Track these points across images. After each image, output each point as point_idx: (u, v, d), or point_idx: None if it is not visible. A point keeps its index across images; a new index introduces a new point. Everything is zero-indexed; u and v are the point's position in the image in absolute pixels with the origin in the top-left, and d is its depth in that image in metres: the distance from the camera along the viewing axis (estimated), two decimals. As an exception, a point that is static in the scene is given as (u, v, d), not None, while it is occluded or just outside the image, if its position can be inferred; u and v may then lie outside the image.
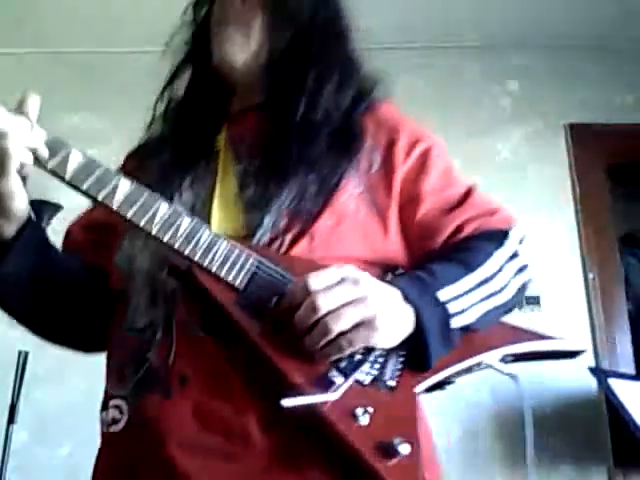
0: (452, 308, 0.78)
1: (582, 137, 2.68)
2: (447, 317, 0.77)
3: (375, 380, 0.74)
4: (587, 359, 2.39)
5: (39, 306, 0.90)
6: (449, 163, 0.95)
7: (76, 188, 0.74)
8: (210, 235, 0.76)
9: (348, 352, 0.72)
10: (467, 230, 0.89)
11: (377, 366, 0.75)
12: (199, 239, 0.75)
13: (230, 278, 0.75)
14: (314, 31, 0.92)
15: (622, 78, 2.77)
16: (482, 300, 0.81)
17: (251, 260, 0.77)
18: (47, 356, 2.04)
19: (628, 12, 2.57)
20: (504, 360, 0.81)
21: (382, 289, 0.75)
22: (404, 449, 0.67)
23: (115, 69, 2.71)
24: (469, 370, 0.80)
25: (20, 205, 0.75)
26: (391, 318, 0.73)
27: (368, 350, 0.74)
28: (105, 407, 0.86)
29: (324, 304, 0.69)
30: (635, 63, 2.79)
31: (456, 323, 0.78)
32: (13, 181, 0.72)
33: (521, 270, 0.87)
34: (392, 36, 2.71)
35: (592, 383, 2.26)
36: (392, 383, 0.74)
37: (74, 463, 2.22)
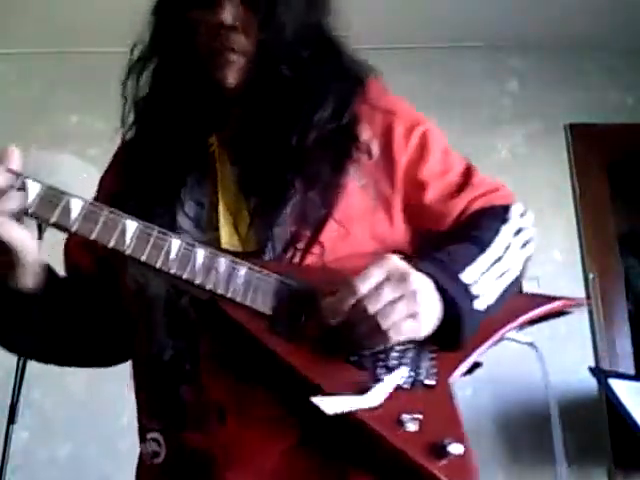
0: (475, 290, 0.79)
1: (582, 137, 2.68)
2: (471, 300, 0.78)
3: (414, 383, 0.73)
4: (587, 359, 2.39)
5: (51, 339, 0.89)
6: (445, 143, 0.96)
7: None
8: (227, 262, 0.74)
9: (393, 343, 0.72)
10: (473, 208, 0.90)
11: (413, 368, 0.75)
12: (218, 269, 0.73)
13: (256, 305, 0.74)
14: (307, 56, 0.90)
15: (622, 78, 2.77)
16: (497, 279, 0.82)
17: (272, 280, 0.75)
18: (47, 356, 2.04)
19: (628, 12, 2.57)
20: (521, 331, 0.84)
21: (422, 280, 0.74)
22: (455, 449, 0.67)
23: (115, 69, 2.71)
24: (491, 346, 0.81)
25: (31, 256, 0.72)
26: (430, 310, 0.74)
27: (402, 354, 0.75)
28: (143, 439, 0.85)
29: (372, 307, 0.69)
30: (635, 63, 2.79)
31: (479, 305, 0.79)
32: (15, 242, 0.69)
33: (525, 244, 0.89)
34: (392, 36, 2.71)
35: (592, 383, 2.26)
36: (430, 382, 0.74)
37: (74, 463, 2.22)
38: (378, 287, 0.70)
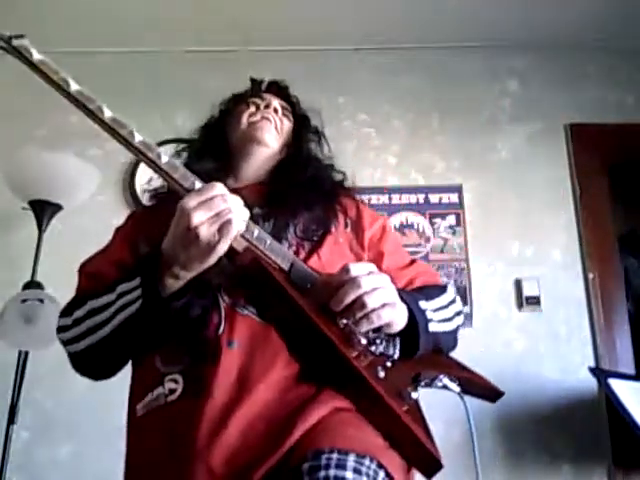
0: (429, 315, 1.06)
1: (582, 137, 2.68)
2: (427, 321, 1.05)
3: (383, 354, 0.99)
4: (587, 359, 2.39)
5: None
6: (398, 237, 1.33)
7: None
8: (259, 230, 1.00)
9: (375, 325, 0.96)
10: (417, 283, 1.19)
11: (385, 344, 1.00)
12: (253, 231, 0.99)
13: (279, 261, 1.00)
14: (315, 145, 1.32)
15: (622, 78, 2.77)
16: (442, 321, 1.10)
17: (289, 254, 1.03)
18: (47, 356, 2.04)
19: (628, 12, 2.57)
20: (453, 382, 1.05)
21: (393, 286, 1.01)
22: (415, 395, 0.96)
23: (115, 69, 2.71)
24: (431, 383, 1.02)
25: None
26: (402, 307, 1.00)
27: (377, 335, 1.00)
28: (159, 384, 0.99)
29: (365, 283, 0.95)
30: (635, 63, 2.79)
31: (431, 328, 1.05)
32: (226, 246, 0.92)
33: (458, 314, 1.17)
34: (392, 36, 2.72)
35: (592, 383, 2.26)
36: (396, 357, 1.01)
37: (74, 463, 2.22)
38: (367, 273, 0.96)
